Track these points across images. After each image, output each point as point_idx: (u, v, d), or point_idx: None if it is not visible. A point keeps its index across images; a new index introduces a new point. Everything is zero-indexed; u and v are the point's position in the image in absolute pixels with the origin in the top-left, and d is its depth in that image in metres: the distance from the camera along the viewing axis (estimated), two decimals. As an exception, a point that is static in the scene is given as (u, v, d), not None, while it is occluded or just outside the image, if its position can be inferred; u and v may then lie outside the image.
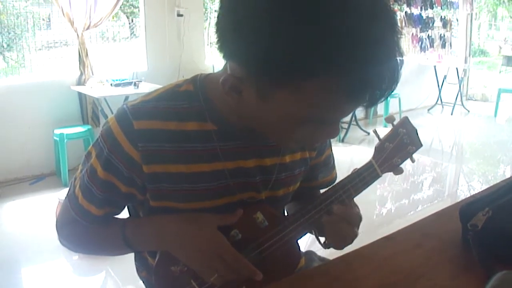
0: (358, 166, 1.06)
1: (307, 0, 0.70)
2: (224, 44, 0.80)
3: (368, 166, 1.05)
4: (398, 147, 1.05)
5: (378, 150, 1.06)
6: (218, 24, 0.80)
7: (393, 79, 0.76)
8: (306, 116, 0.81)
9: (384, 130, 1.02)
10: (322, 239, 1.08)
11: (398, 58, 0.76)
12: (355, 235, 1.03)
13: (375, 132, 1.08)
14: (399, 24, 0.76)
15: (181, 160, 0.96)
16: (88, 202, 1.01)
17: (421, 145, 1.07)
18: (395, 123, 1.06)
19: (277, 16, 0.71)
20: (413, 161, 1.08)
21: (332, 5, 0.70)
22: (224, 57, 0.82)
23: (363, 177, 1.04)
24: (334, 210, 1.00)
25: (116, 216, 1.08)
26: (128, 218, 1.09)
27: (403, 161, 1.06)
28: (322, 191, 1.10)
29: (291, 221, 1.05)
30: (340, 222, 1.00)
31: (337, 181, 1.10)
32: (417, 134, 1.07)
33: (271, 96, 0.79)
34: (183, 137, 0.96)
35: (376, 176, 1.05)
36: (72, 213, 1.05)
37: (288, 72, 0.73)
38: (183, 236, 0.98)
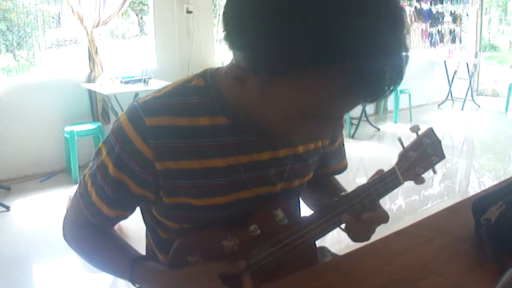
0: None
1: None
2: (229, 34, 0.81)
3: (391, 172, 1.05)
4: (422, 156, 1.06)
5: (402, 157, 1.06)
6: (224, 14, 0.81)
7: (397, 75, 0.75)
8: (306, 110, 0.81)
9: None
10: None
11: (403, 54, 0.74)
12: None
13: (399, 140, 1.06)
14: (407, 20, 0.75)
15: (194, 156, 0.95)
16: (100, 200, 1.01)
17: (444, 157, 1.08)
18: (419, 132, 1.06)
19: (279, 10, 0.71)
20: (434, 172, 1.08)
21: (336, 2, 0.70)
22: (229, 47, 0.83)
23: (386, 182, 1.04)
24: (366, 217, 1.00)
25: (128, 245, 1.09)
26: (138, 261, 1.05)
27: (425, 171, 1.06)
28: (338, 184, 1.09)
29: (310, 221, 1.04)
30: (370, 225, 1.01)
31: (349, 171, 1.09)
32: (441, 145, 1.07)
33: (272, 88, 0.79)
34: (195, 132, 0.95)
35: (398, 184, 1.05)
36: (84, 211, 1.04)
37: (288, 61, 0.73)
38: None
